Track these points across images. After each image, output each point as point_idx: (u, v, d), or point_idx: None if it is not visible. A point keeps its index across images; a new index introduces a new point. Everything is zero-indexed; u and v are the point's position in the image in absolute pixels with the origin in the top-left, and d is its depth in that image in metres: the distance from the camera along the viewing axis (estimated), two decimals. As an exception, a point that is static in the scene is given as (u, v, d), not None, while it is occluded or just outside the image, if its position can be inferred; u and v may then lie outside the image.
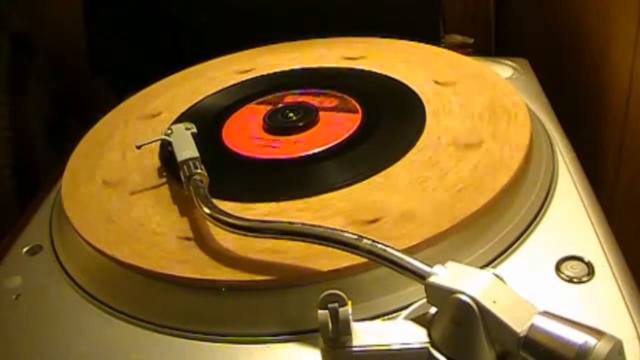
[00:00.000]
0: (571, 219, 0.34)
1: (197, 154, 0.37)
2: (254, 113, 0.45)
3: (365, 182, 0.36)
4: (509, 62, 0.53)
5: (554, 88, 0.49)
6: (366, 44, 0.53)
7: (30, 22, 0.65)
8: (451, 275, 0.26)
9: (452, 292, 0.25)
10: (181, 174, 0.36)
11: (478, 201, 0.33)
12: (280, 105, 0.45)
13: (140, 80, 0.54)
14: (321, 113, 0.43)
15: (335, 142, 0.40)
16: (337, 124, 0.42)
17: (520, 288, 0.25)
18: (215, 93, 0.50)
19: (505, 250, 0.33)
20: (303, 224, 0.30)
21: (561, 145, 0.41)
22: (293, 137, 0.41)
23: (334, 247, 0.29)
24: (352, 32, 0.55)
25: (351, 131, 0.41)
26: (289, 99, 0.46)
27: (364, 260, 0.29)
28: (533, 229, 0.34)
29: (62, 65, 0.69)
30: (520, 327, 0.24)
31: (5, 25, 0.61)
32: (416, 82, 0.46)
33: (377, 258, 0.27)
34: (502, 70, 0.51)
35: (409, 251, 0.28)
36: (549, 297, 0.30)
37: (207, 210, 0.32)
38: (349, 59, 0.51)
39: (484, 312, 0.24)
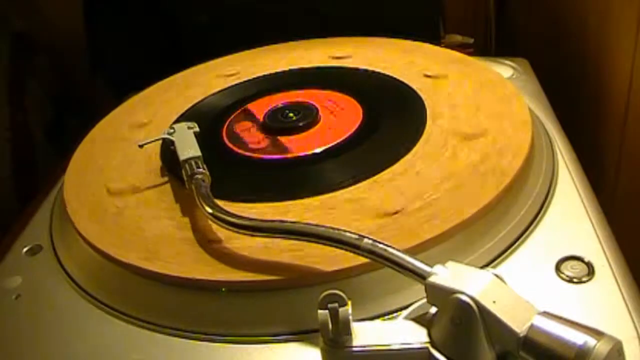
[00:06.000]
0: (571, 219, 0.34)
1: (199, 153, 0.37)
2: (254, 113, 0.45)
3: (365, 182, 0.36)
4: (509, 62, 0.53)
5: (554, 88, 0.49)
6: (357, 43, 0.53)
7: (30, 22, 0.65)
8: (451, 275, 0.26)
9: (452, 292, 0.25)
10: (183, 173, 0.36)
11: (478, 201, 0.33)
12: (280, 105, 0.45)
13: (140, 80, 0.54)
14: (321, 113, 0.43)
15: (336, 142, 0.40)
16: (337, 124, 0.42)
17: (520, 288, 0.25)
18: (215, 93, 0.50)
19: (505, 250, 0.33)
20: (304, 223, 0.30)
21: (561, 145, 0.41)
22: (293, 137, 0.41)
23: (335, 246, 0.29)
24: (352, 32, 0.55)
25: (351, 131, 0.41)
26: (289, 99, 0.46)
27: (364, 260, 0.29)
28: (533, 229, 0.34)
29: (62, 65, 0.69)
30: (520, 327, 0.24)
31: (6, 25, 0.61)
32: (416, 82, 0.46)
33: (378, 258, 0.27)
34: (502, 70, 0.51)
35: (409, 251, 0.28)
36: (549, 297, 0.30)
37: (208, 210, 0.32)
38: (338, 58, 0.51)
39: (484, 312, 0.24)
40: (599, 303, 0.29)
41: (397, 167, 0.37)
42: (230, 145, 0.42)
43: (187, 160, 0.36)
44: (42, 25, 0.66)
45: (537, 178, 0.37)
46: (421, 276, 0.26)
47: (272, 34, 0.56)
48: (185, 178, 0.36)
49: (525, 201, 0.35)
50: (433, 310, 0.27)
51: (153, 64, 0.66)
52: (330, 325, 0.25)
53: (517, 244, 0.33)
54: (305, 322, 0.29)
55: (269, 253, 0.32)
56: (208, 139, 0.41)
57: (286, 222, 0.30)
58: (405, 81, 0.46)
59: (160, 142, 0.41)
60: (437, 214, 0.32)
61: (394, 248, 0.28)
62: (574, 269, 0.31)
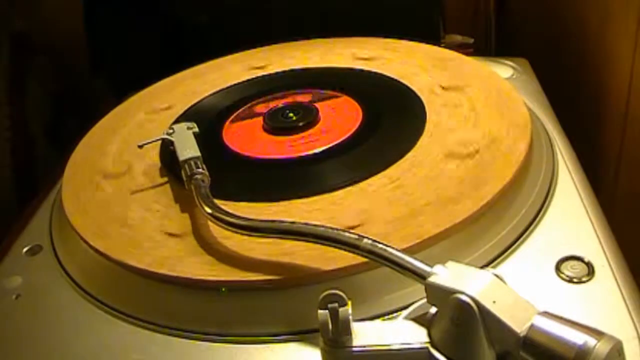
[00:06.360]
0: (571, 219, 0.34)
1: (198, 154, 0.37)
2: (254, 113, 0.45)
3: (365, 182, 0.36)
4: (509, 62, 0.53)
5: (554, 88, 0.49)
6: (366, 44, 0.53)
7: (30, 22, 0.65)
8: (451, 275, 0.26)
9: (452, 292, 0.25)
10: (182, 173, 0.36)
11: (478, 201, 0.33)
12: (280, 105, 0.45)
13: (140, 80, 0.53)
14: (321, 113, 0.43)
15: (336, 142, 0.40)
16: (337, 124, 0.42)
17: (520, 288, 0.25)
18: (215, 93, 0.50)
19: (505, 250, 0.33)
20: (304, 223, 0.30)
21: (561, 145, 0.41)
22: (293, 137, 0.41)
23: (334, 247, 0.29)
24: (352, 32, 0.55)
25: (351, 131, 0.41)
26: (289, 99, 0.46)
27: (364, 260, 0.29)
28: (533, 229, 0.34)
29: (62, 65, 0.69)
30: (520, 327, 0.24)
31: (5, 25, 0.61)
32: (416, 82, 0.46)
33: (378, 258, 0.27)
34: (502, 70, 0.51)
35: (409, 251, 0.28)
36: (549, 297, 0.30)
37: (208, 210, 0.32)
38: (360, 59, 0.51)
39: (484, 312, 0.24)
40: (599, 303, 0.29)
41: (396, 167, 0.37)
42: (230, 146, 0.42)
43: (186, 161, 0.36)
44: (42, 25, 0.66)
45: (537, 178, 0.37)
46: (421, 276, 0.26)
47: (272, 34, 0.56)
48: (184, 178, 0.36)
49: (525, 201, 0.35)
50: (433, 310, 0.26)
51: (153, 64, 0.66)
52: (330, 325, 0.25)
53: (517, 244, 0.33)
54: (305, 322, 0.29)
55: (269, 253, 0.32)
56: (208, 139, 0.41)
57: (285, 222, 0.30)
58: (405, 82, 0.46)
59: (160, 142, 0.41)
60: (437, 214, 0.32)
61: (393, 248, 0.28)
62: (574, 269, 0.31)
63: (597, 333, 0.23)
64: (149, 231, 0.35)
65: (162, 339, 0.31)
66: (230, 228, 0.31)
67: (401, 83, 0.46)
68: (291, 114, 0.43)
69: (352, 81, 0.48)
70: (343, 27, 0.55)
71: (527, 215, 0.34)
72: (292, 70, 0.51)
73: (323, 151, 0.39)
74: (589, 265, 0.31)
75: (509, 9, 0.73)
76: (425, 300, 0.26)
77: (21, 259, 0.38)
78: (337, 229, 0.29)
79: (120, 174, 0.41)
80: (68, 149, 0.45)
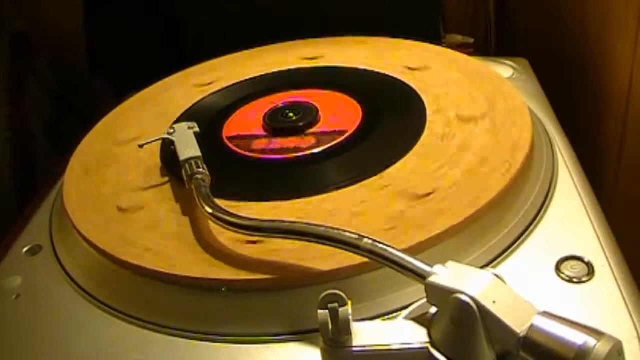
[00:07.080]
0: (571, 219, 0.34)
1: (199, 153, 0.37)
2: (254, 113, 0.45)
3: (365, 182, 0.36)
4: (509, 62, 0.53)
5: (554, 88, 0.49)
6: (366, 44, 0.53)
7: (30, 22, 0.65)
8: (451, 275, 0.26)
9: (452, 292, 0.25)
10: (183, 173, 0.36)
11: (478, 201, 0.33)
12: (280, 105, 0.45)
13: (140, 80, 0.54)
14: (321, 113, 0.43)
15: (335, 142, 0.40)
16: (337, 124, 0.42)
17: (520, 288, 0.25)
18: (215, 93, 0.50)
19: (505, 250, 0.33)
20: (304, 223, 0.30)
21: (561, 145, 0.41)
22: (293, 137, 0.41)
23: (334, 246, 0.29)
24: (352, 32, 0.55)
25: (351, 131, 0.41)
26: (289, 98, 0.46)
27: (364, 260, 0.29)
28: (533, 229, 0.34)
29: (62, 65, 0.69)
30: (520, 327, 0.24)
31: (5, 25, 0.61)
32: (416, 82, 0.46)
33: (378, 258, 0.28)
34: (502, 70, 0.51)
35: (409, 251, 0.28)
36: (549, 297, 0.30)
37: (208, 210, 0.32)
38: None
39: (484, 312, 0.24)
40: (599, 303, 0.29)
41: (396, 167, 0.37)
42: (230, 145, 0.42)
43: (187, 161, 0.36)
44: (42, 25, 0.66)
45: (537, 178, 0.37)
46: (421, 276, 0.26)
47: (271, 34, 0.56)
48: (185, 178, 0.36)
49: (525, 201, 0.35)
50: (433, 310, 0.27)
51: (153, 64, 0.66)
52: (330, 325, 0.25)
53: (517, 244, 0.33)
54: (305, 322, 0.29)
55: (269, 253, 0.32)
56: (208, 139, 0.41)
57: (286, 222, 0.30)
58: (405, 81, 0.46)
59: (161, 142, 0.41)
60: (437, 214, 0.32)
61: (394, 248, 0.28)
62: (574, 269, 0.31)
63: (597, 333, 0.23)
64: (149, 231, 0.35)
65: (162, 339, 0.31)
66: (230, 228, 0.31)
67: (401, 82, 0.46)
68: (291, 114, 0.43)
69: (352, 81, 0.48)
70: (343, 27, 0.55)
71: (527, 215, 0.34)
72: (293, 70, 0.51)
73: (323, 151, 0.39)
74: (589, 265, 0.31)
75: (509, 9, 0.73)
76: (425, 300, 0.26)
77: (21, 259, 0.38)
78: (337, 229, 0.29)
79: (121, 173, 0.41)
80: (68, 149, 0.45)
